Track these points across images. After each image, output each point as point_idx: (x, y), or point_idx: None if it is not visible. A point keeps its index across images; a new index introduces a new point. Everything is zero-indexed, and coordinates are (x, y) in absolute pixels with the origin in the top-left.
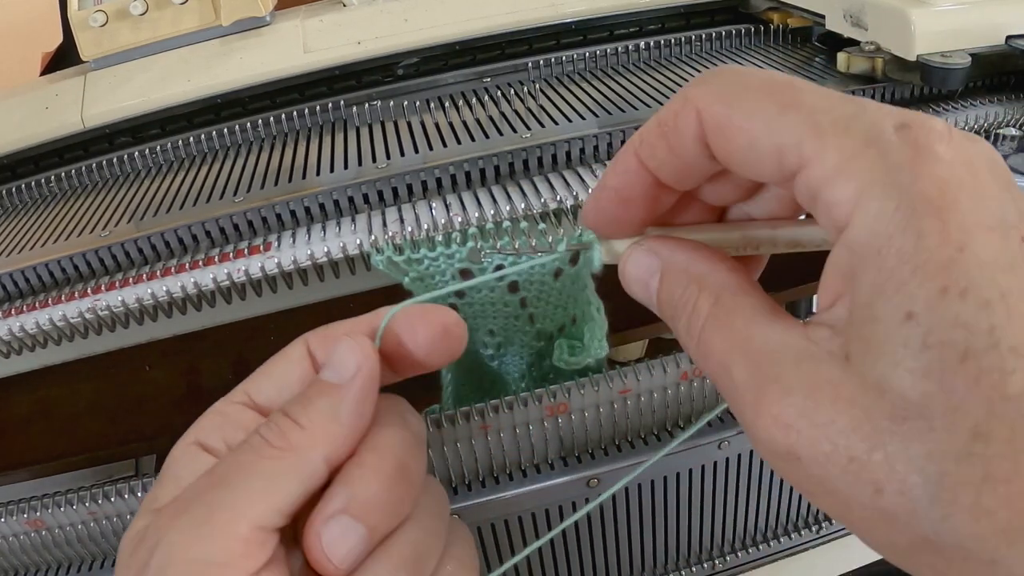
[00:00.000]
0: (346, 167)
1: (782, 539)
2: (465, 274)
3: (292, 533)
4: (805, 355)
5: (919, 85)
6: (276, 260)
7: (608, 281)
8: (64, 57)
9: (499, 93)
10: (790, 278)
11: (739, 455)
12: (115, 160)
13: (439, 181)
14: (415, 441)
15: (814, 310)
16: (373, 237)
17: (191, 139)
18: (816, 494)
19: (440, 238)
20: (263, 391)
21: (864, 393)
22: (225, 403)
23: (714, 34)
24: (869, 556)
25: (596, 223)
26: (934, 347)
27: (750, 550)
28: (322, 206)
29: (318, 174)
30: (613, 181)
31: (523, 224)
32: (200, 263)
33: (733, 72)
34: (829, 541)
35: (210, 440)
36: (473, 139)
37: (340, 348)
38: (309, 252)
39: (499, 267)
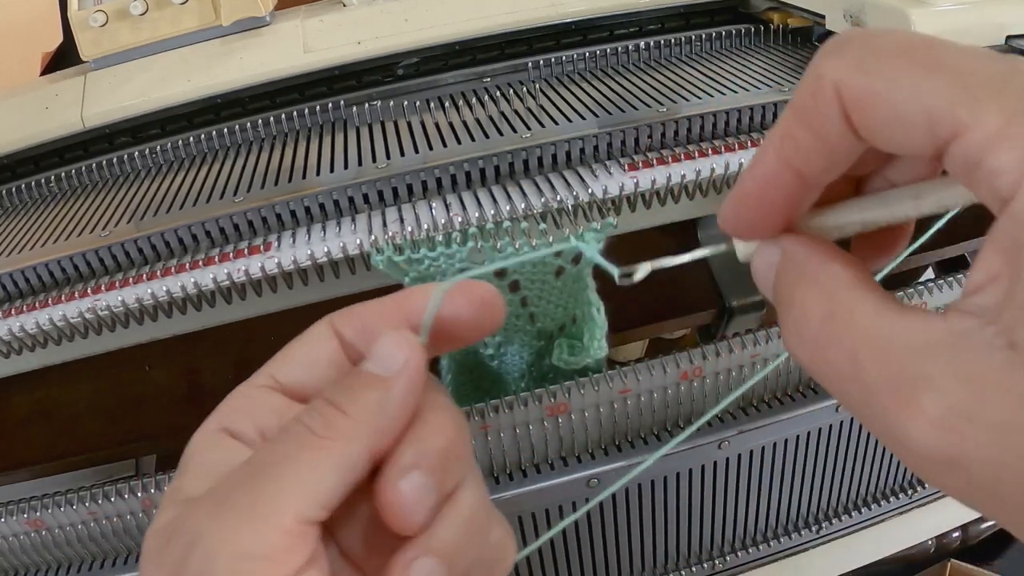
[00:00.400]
0: (346, 167)
1: (782, 539)
2: (463, 272)
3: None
4: (956, 347)
5: None
6: (276, 260)
7: (608, 282)
8: (64, 57)
9: (499, 93)
10: None
11: (739, 455)
12: (115, 160)
13: (439, 181)
14: (462, 414)
15: None
16: (373, 237)
17: (191, 139)
18: (982, 500)
19: (440, 238)
20: (289, 373)
21: None
22: (249, 386)
23: (714, 34)
24: (869, 556)
25: (736, 229)
26: None
27: (750, 550)
28: (322, 206)
29: (318, 174)
30: (752, 186)
31: (523, 224)
32: (200, 263)
33: (865, 36)
34: (829, 541)
35: (237, 425)
36: (473, 139)
37: (386, 342)
38: (309, 252)
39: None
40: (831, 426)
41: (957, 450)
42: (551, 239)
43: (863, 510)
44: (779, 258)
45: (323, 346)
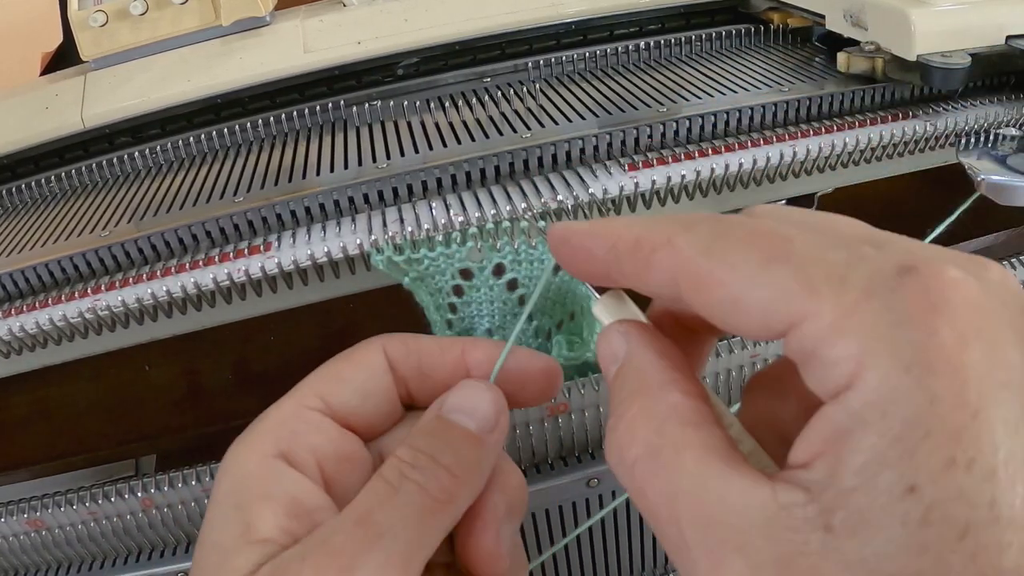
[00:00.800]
0: (346, 167)
1: None
2: (465, 274)
3: None
4: (776, 523)
5: (919, 85)
6: (276, 260)
7: None
8: (64, 57)
9: (499, 93)
10: None
11: None
12: (115, 160)
13: (439, 181)
14: None
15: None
16: (373, 237)
17: (191, 139)
18: None
19: (440, 238)
20: (342, 398)
21: (847, 570)
22: (298, 407)
23: (714, 34)
24: None
25: (558, 252)
26: (934, 524)
27: None
28: (322, 206)
29: (318, 174)
30: (580, 238)
31: (523, 224)
32: (200, 263)
33: (717, 219)
34: None
35: (295, 454)
36: (473, 139)
37: (473, 393)
38: (309, 252)
39: (498, 266)
40: None
41: None
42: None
43: None
44: (624, 352)
45: (379, 378)
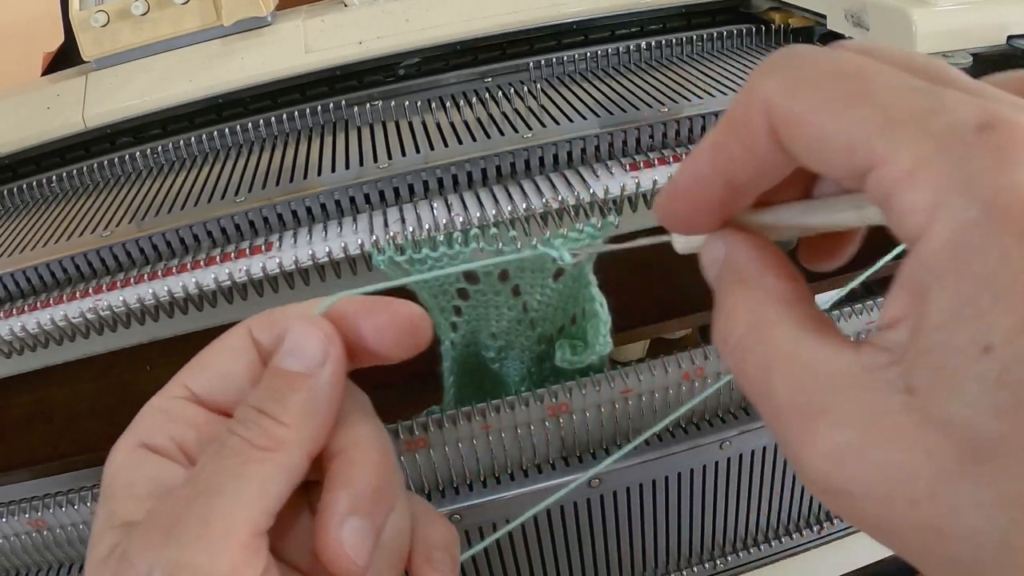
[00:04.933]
0: (347, 167)
1: (783, 539)
2: (469, 276)
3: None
4: (859, 383)
5: None
6: (277, 260)
7: (609, 281)
8: (65, 57)
9: (500, 93)
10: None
11: (739, 455)
12: (116, 160)
13: (440, 181)
14: (383, 428)
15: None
16: (374, 237)
17: (192, 139)
18: (872, 531)
19: (442, 238)
20: (203, 383)
21: (928, 431)
22: (163, 399)
23: (715, 34)
24: (869, 557)
25: (668, 222)
26: (1011, 385)
27: (751, 550)
28: (323, 206)
29: (319, 174)
30: (684, 184)
31: (516, 232)
32: (201, 263)
33: (800, 57)
34: (830, 542)
35: (156, 440)
36: (474, 139)
37: (299, 332)
38: (310, 252)
39: (503, 272)
40: None
41: (844, 482)
42: (547, 238)
43: None
44: (723, 253)
45: (240, 355)
